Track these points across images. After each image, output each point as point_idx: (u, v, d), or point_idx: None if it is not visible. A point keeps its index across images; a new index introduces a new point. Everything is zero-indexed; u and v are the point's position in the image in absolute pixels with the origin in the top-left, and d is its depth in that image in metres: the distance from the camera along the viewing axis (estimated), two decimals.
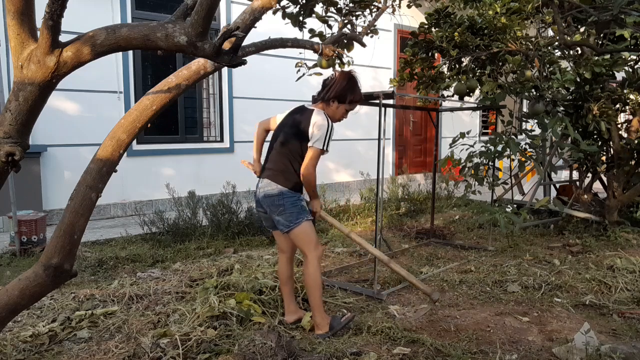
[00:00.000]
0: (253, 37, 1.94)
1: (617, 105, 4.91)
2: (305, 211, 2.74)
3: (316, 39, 3.02)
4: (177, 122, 6.74)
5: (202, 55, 1.48)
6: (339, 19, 3.04)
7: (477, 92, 4.74)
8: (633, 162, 4.89)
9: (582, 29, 4.81)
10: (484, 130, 10.74)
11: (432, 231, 5.07)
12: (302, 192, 2.79)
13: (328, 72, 3.16)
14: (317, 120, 2.71)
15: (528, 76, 4.32)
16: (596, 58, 4.51)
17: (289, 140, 2.78)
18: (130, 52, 6.08)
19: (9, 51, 4.70)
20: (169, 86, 1.81)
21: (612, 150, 4.98)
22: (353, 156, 8.46)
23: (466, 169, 4.62)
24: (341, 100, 2.81)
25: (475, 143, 4.95)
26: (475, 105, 5.12)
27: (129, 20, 6.06)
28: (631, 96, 5.00)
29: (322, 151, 2.70)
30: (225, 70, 6.83)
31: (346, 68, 3.14)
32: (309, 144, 2.68)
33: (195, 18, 1.42)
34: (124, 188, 6.08)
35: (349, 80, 2.81)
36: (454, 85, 4.55)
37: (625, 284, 3.37)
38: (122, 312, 2.96)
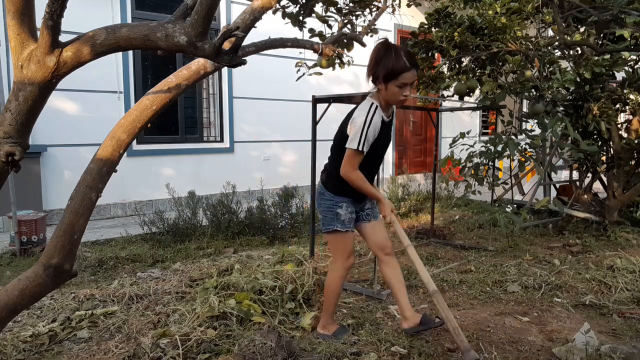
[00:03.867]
0: (253, 37, 1.95)
1: (617, 105, 4.91)
2: (340, 220, 2.54)
3: (316, 39, 3.02)
4: (177, 122, 6.74)
5: (202, 55, 1.48)
6: (339, 19, 3.04)
7: (477, 92, 4.74)
8: (633, 162, 4.89)
9: (582, 29, 4.81)
10: (484, 130, 10.74)
11: (432, 231, 5.07)
12: (348, 197, 2.55)
13: (328, 72, 3.16)
14: (354, 115, 2.40)
15: (528, 76, 4.32)
16: (596, 58, 4.51)
17: (336, 136, 2.55)
18: (130, 52, 6.09)
19: (9, 51, 4.70)
20: (169, 86, 1.81)
21: (612, 150, 4.98)
22: None
23: (466, 169, 4.62)
24: (381, 79, 2.34)
25: (475, 143, 4.95)
26: (475, 105, 5.12)
27: (129, 20, 6.06)
28: (631, 96, 5.00)
29: (357, 152, 2.35)
30: (225, 70, 6.83)
31: (346, 68, 3.13)
32: (347, 145, 2.38)
33: (195, 18, 1.42)
34: (124, 188, 6.09)
35: (377, 52, 2.34)
36: (454, 85, 4.55)
37: (625, 284, 3.37)
38: (122, 312, 2.96)
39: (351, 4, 3.09)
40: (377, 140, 2.42)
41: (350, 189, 2.51)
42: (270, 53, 6.63)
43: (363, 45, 2.95)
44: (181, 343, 2.37)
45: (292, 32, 3.10)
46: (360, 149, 2.33)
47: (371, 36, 3.24)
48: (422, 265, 2.54)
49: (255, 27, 1.95)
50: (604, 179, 5.23)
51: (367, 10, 3.22)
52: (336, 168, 2.48)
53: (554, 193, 6.11)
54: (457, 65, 4.57)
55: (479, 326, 2.81)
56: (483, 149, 4.37)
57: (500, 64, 4.56)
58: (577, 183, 5.54)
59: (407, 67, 2.28)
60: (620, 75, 4.77)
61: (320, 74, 3.10)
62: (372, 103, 2.40)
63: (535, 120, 4.47)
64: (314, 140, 3.94)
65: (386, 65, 2.29)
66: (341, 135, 2.48)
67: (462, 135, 4.55)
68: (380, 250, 2.69)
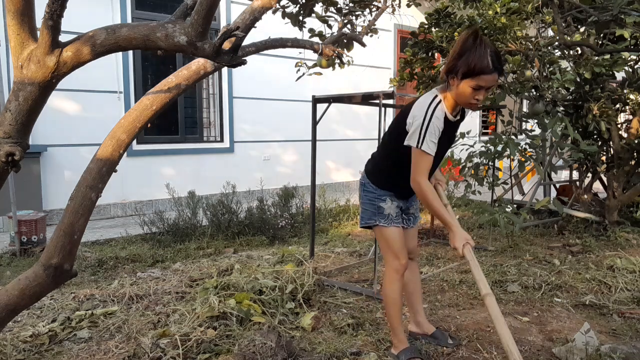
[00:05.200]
0: (253, 37, 1.95)
1: (617, 105, 4.91)
2: (383, 215, 2.32)
3: (316, 39, 3.02)
4: (177, 122, 6.74)
5: (202, 55, 1.48)
6: (339, 19, 3.04)
7: None
8: (633, 162, 4.89)
9: (582, 29, 4.81)
10: (484, 130, 10.74)
11: (432, 231, 5.06)
12: (392, 191, 2.34)
13: (328, 72, 3.16)
14: (413, 110, 2.14)
15: (528, 76, 4.32)
16: (596, 58, 4.51)
17: (391, 128, 2.34)
18: (130, 52, 6.09)
19: (9, 51, 4.70)
20: (169, 86, 1.82)
21: (612, 150, 4.98)
22: (353, 156, 8.47)
23: (466, 169, 4.62)
24: (456, 75, 2.04)
25: (475, 143, 4.96)
26: None
27: (129, 20, 6.06)
28: (631, 96, 5.00)
29: (420, 151, 2.09)
30: (225, 70, 6.83)
31: (346, 68, 3.13)
32: (405, 142, 2.14)
33: (195, 18, 1.42)
34: (124, 188, 6.09)
35: (463, 42, 2.03)
36: None
37: (625, 284, 3.37)
38: (122, 312, 2.96)
39: (351, 4, 3.09)
40: (440, 140, 2.16)
41: (397, 184, 2.32)
42: (270, 53, 6.63)
43: (363, 45, 2.95)
44: (181, 343, 2.38)
45: (292, 32, 3.10)
46: (419, 147, 2.08)
47: (371, 36, 3.24)
48: (502, 322, 1.91)
49: (255, 27, 1.95)
50: (604, 179, 5.23)
51: (367, 10, 3.22)
52: (384, 160, 2.33)
53: (554, 193, 6.11)
54: None
55: (479, 326, 2.81)
56: (483, 149, 4.38)
57: None
58: (577, 183, 5.54)
59: (490, 68, 1.99)
60: (620, 75, 4.77)
61: (320, 74, 3.10)
62: (436, 96, 2.13)
63: (535, 120, 4.47)
64: (314, 140, 3.94)
65: (469, 60, 1.99)
66: (396, 126, 2.26)
67: (462, 135, 4.55)
68: (411, 253, 2.54)
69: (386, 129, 2.44)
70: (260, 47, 2.09)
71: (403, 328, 2.47)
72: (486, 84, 2.02)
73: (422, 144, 2.07)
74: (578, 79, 4.65)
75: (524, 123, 5.43)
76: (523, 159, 4.43)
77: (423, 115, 2.07)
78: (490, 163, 4.43)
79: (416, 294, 2.62)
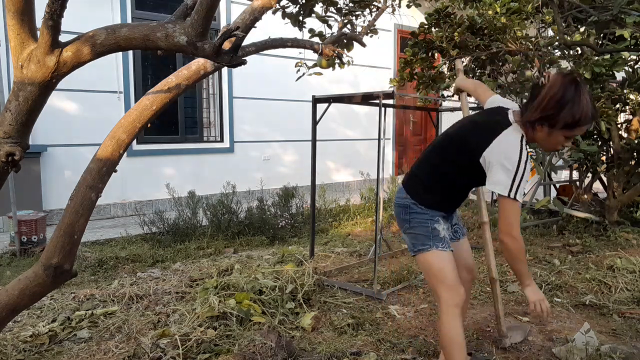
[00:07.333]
0: (253, 37, 1.95)
1: (617, 105, 4.91)
2: (438, 238, 2.02)
3: (316, 39, 3.02)
4: (177, 122, 6.74)
5: (202, 55, 1.48)
6: (339, 19, 3.04)
7: None
8: (633, 162, 4.88)
9: (582, 29, 4.81)
10: None
11: None
12: (443, 211, 2.09)
13: (328, 72, 3.15)
14: (501, 151, 1.88)
15: (528, 76, 4.32)
16: (596, 58, 4.51)
17: (452, 148, 2.04)
18: (130, 52, 6.09)
19: (9, 51, 4.70)
20: (169, 86, 1.81)
21: (612, 150, 4.98)
22: (353, 156, 8.47)
23: None
24: (552, 124, 1.83)
25: None
26: (476, 105, 5.11)
27: (129, 20, 6.06)
28: (631, 96, 5.00)
29: (514, 201, 1.86)
30: (225, 70, 6.84)
31: (346, 68, 3.13)
32: (488, 185, 1.93)
33: (195, 18, 1.42)
34: (124, 188, 6.09)
35: (565, 91, 1.78)
36: (453, 85, 4.55)
37: (625, 284, 3.37)
38: (122, 312, 2.96)
39: (351, 4, 3.09)
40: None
41: (447, 203, 2.09)
42: (270, 53, 6.63)
43: (363, 45, 2.94)
44: (181, 343, 2.38)
45: (292, 32, 3.10)
46: (512, 196, 1.85)
47: (371, 36, 3.24)
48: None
49: (255, 27, 1.95)
50: (604, 179, 5.23)
51: (367, 10, 3.22)
52: (437, 182, 2.06)
53: (554, 193, 6.10)
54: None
55: (479, 326, 2.81)
56: None
57: (500, 64, 4.56)
58: (577, 183, 5.54)
59: (590, 119, 1.82)
60: (620, 75, 4.77)
61: (320, 74, 3.10)
62: (523, 136, 1.92)
63: None
64: (314, 140, 3.94)
65: (574, 112, 1.78)
66: (460, 152, 2.00)
67: None
68: (470, 273, 2.32)
69: (448, 144, 2.09)
70: (260, 47, 2.09)
71: None
72: (581, 132, 1.89)
73: (516, 193, 1.85)
74: None
75: None
76: None
77: (517, 161, 1.86)
78: None
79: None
